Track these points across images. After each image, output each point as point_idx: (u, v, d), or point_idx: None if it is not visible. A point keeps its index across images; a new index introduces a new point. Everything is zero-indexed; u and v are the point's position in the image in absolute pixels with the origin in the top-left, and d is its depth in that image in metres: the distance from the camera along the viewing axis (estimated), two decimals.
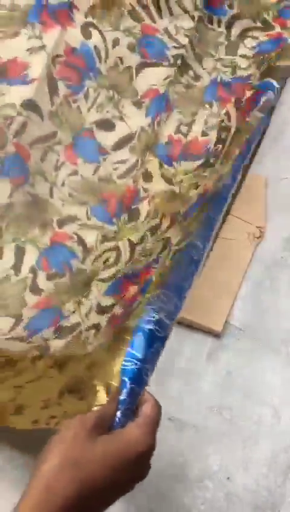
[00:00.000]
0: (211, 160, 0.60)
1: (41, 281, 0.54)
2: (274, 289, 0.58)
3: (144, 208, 0.58)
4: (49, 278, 0.54)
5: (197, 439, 0.50)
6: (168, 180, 0.59)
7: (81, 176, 0.60)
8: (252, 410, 0.51)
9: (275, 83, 0.62)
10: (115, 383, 0.42)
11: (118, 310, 0.52)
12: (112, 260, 0.55)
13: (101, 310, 0.52)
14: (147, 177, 0.60)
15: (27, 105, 0.60)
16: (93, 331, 0.51)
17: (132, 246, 0.56)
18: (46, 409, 0.46)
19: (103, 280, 0.54)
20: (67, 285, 0.54)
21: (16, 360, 0.50)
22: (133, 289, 0.53)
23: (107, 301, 0.52)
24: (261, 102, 0.60)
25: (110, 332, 0.51)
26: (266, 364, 0.54)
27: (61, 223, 0.57)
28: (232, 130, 0.61)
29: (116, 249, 0.56)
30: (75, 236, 0.57)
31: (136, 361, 0.41)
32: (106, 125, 0.63)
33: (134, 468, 0.34)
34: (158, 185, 0.59)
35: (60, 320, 0.53)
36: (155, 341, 0.43)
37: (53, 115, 0.62)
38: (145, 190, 0.59)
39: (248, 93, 0.63)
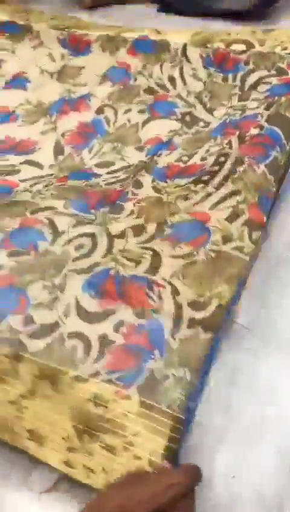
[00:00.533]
0: (204, 177, 0.60)
1: (1, 258, 0.53)
2: (279, 288, 0.57)
3: (129, 206, 0.58)
4: (11, 255, 0.53)
5: (202, 438, 0.48)
6: (157, 191, 0.60)
7: (69, 185, 0.63)
8: (257, 409, 0.48)
9: (282, 137, 0.64)
10: (156, 459, 0.42)
11: (115, 338, 0.48)
12: (87, 247, 0.54)
13: (83, 313, 0.49)
14: (138, 185, 0.61)
15: (25, 162, 0.68)
16: (81, 344, 0.47)
17: (110, 237, 0.55)
18: (74, 454, 0.44)
19: (78, 271, 0.51)
20: (31, 264, 0.52)
21: None
22: (121, 305, 0.49)
23: (88, 303, 0.49)
24: (271, 157, 0.61)
25: (114, 365, 0.46)
26: (272, 363, 0.51)
27: (35, 211, 0.57)
28: (233, 155, 0.61)
29: (92, 235, 0.55)
30: (46, 221, 0.56)
31: None
32: (105, 164, 0.67)
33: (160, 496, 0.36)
34: (147, 192, 0.60)
35: (27, 306, 0.49)
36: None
37: (53, 166, 0.68)
38: (134, 194, 0.60)
39: (254, 131, 0.64)
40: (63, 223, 0.56)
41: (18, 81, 0.81)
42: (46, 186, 0.63)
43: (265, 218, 0.57)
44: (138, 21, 0.92)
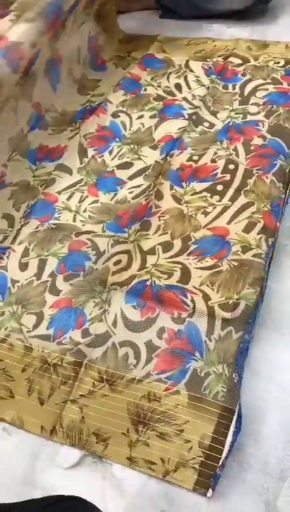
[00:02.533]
0: (218, 188, 0.65)
1: (59, 283, 0.60)
2: (279, 275, 0.61)
3: (155, 221, 0.63)
4: (66, 279, 0.60)
5: None
6: (178, 200, 0.65)
7: (101, 203, 0.69)
8: (260, 388, 0.55)
9: (285, 147, 0.68)
10: (206, 441, 0.48)
11: (160, 343, 0.54)
12: (124, 262, 0.60)
13: (129, 324, 0.56)
14: (159, 196, 0.66)
15: (58, 167, 0.75)
16: (131, 351, 0.54)
17: (142, 253, 0.61)
18: (135, 448, 0.49)
19: (119, 284, 0.58)
20: (82, 285, 0.59)
21: (54, 364, 0.55)
22: (159, 312, 0.56)
23: (132, 314, 0.56)
24: (277, 165, 0.66)
25: (162, 367, 0.53)
26: (273, 346, 0.56)
27: (78, 235, 0.65)
28: (241, 166, 0.67)
29: (127, 252, 0.61)
30: (90, 242, 0.63)
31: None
32: (125, 165, 0.73)
33: None
34: (168, 204, 0.65)
35: (84, 321, 0.57)
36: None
37: (81, 169, 0.74)
38: (157, 206, 0.64)
39: (258, 140, 0.69)
40: (103, 243, 0.63)
41: None
42: (81, 200, 0.70)
43: (278, 224, 0.60)
44: (143, 28, 0.97)
